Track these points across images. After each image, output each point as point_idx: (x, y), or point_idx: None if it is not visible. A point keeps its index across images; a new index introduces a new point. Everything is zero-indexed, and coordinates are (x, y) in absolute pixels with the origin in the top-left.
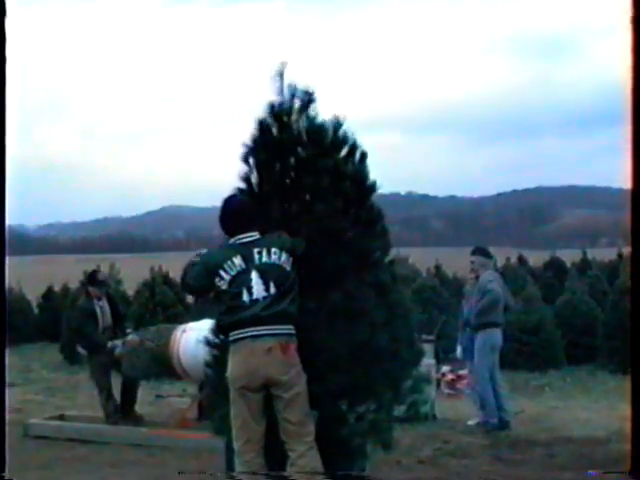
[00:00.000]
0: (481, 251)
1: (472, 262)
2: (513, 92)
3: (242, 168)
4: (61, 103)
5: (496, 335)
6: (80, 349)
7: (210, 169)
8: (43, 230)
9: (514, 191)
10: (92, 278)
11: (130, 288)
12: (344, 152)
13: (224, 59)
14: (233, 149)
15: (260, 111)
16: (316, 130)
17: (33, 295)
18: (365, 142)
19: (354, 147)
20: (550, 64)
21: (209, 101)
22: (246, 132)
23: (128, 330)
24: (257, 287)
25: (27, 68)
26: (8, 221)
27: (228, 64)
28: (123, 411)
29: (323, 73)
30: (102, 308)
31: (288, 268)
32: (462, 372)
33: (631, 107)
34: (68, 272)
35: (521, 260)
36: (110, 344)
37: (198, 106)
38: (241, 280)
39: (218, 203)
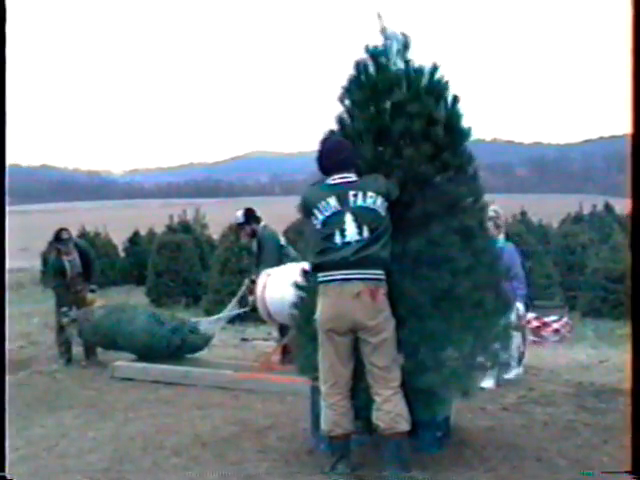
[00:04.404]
0: None
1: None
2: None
3: (338, 109)
4: (148, 51)
5: None
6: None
7: (296, 116)
8: (129, 175)
9: (601, 138)
10: (57, 237)
11: (215, 232)
12: (438, 97)
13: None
14: (320, 96)
15: (354, 54)
16: (412, 73)
17: (119, 239)
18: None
19: (448, 92)
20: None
21: (299, 46)
22: (335, 77)
23: (92, 287)
24: (350, 230)
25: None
26: (96, 167)
27: (324, 4)
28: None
29: (419, 19)
30: (71, 262)
31: (383, 213)
32: (547, 319)
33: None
34: (153, 216)
35: (608, 207)
36: (63, 309)
37: (287, 51)
38: (335, 221)
39: (303, 149)
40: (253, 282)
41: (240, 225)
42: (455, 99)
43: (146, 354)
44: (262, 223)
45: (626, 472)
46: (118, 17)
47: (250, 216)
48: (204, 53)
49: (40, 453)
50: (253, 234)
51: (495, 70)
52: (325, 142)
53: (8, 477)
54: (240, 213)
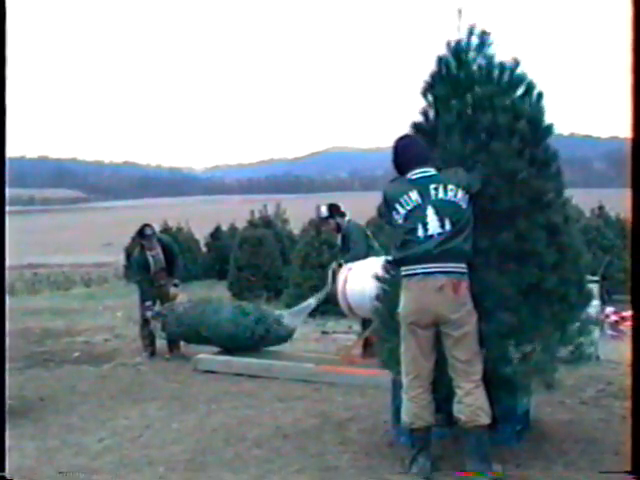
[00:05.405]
0: None
1: None
2: None
3: (417, 105)
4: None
5: None
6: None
7: (374, 112)
8: (210, 171)
9: None
10: (141, 233)
11: (296, 227)
12: (521, 91)
13: None
14: (398, 92)
15: (433, 50)
16: (494, 68)
17: (201, 234)
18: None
19: (531, 87)
20: None
21: (379, 42)
22: (413, 72)
23: (175, 282)
24: (432, 223)
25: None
26: (178, 163)
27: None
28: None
29: (500, 14)
30: (155, 257)
31: (464, 205)
32: (626, 313)
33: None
34: (234, 212)
35: None
36: (147, 303)
37: (367, 47)
38: (417, 215)
39: (381, 145)
40: (340, 265)
41: (324, 219)
42: (538, 94)
43: (230, 344)
44: (347, 217)
45: (626, 472)
46: (204, 12)
47: (334, 211)
48: (285, 48)
49: (124, 444)
50: (338, 229)
51: (571, 64)
52: (398, 141)
53: (8, 477)
54: (324, 208)
